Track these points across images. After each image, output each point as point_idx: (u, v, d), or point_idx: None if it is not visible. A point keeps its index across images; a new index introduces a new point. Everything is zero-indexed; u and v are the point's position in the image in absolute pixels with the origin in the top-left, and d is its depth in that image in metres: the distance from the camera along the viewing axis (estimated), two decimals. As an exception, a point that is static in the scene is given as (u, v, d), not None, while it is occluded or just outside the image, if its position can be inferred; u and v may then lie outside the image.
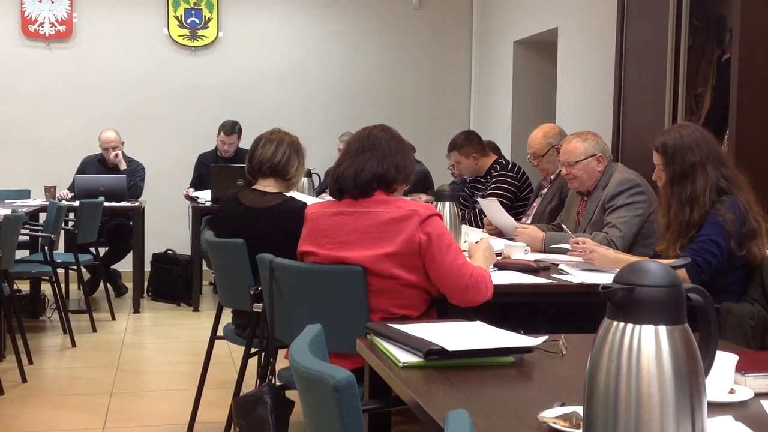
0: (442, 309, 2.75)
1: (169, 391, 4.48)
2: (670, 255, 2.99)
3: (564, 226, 3.88)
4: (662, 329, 1.23)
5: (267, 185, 3.38)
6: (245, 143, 7.13)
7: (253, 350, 3.34)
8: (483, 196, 5.11)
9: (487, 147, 5.41)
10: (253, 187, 3.42)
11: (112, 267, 6.92)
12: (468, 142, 5.24)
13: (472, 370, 1.88)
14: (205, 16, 7.76)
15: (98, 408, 4.05)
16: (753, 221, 2.96)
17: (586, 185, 3.87)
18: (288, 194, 3.39)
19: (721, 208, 2.94)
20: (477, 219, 4.90)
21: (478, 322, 2.24)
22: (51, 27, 7.51)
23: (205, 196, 6.48)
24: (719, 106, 4.19)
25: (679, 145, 3.02)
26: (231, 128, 6.90)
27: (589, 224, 3.80)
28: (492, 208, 4.33)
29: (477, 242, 3.01)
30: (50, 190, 6.51)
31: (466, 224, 4.79)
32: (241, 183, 6.21)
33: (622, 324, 1.25)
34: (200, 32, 7.76)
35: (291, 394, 2.65)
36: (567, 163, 3.86)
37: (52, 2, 7.50)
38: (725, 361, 1.68)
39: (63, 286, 6.48)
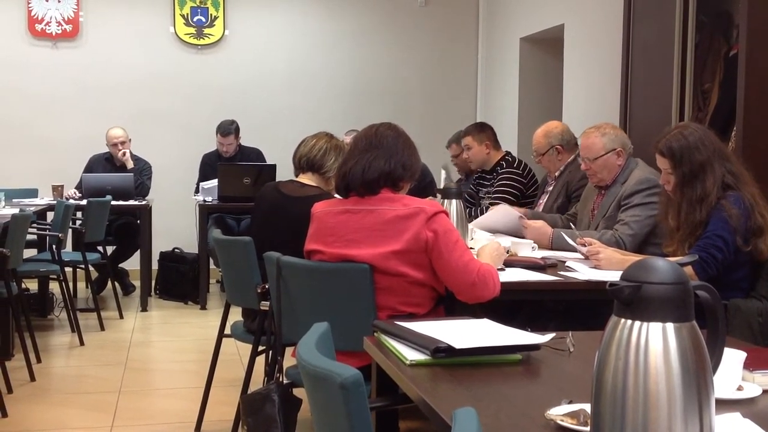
0: (449, 306, 2.75)
1: (177, 389, 4.49)
2: (678, 255, 2.98)
3: (572, 225, 3.87)
4: (670, 326, 1.23)
5: (306, 179, 3.49)
6: (252, 141, 7.18)
7: (260, 348, 3.35)
8: (488, 193, 5.12)
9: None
10: (294, 179, 3.54)
11: (119, 265, 6.93)
12: (482, 130, 5.25)
13: (480, 367, 1.88)
14: (211, 15, 7.77)
15: (106, 406, 4.06)
16: (759, 216, 2.95)
17: (606, 180, 3.84)
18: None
19: (726, 204, 2.93)
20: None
21: (486, 320, 2.24)
22: (57, 26, 7.53)
23: (210, 193, 6.49)
24: (727, 102, 4.18)
25: (684, 146, 3.01)
26: (227, 128, 6.90)
27: (603, 219, 3.78)
28: (492, 221, 4.27)
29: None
30: (58, 189, 6.53)
31: (472, 221, 4.78)
32: (248, 181, 6.25)
33: (629, 321, 1.25)
34: (206, 30, 7.77)
35: (298, 392, 2.65)
36: (586, 159, 3.83)
37: (59, 1, 7.51)
38: (733, 357, 1.68)
39: (71, 284, 6.50)
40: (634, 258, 3.12)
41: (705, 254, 2.89)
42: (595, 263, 3.17)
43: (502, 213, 4.18)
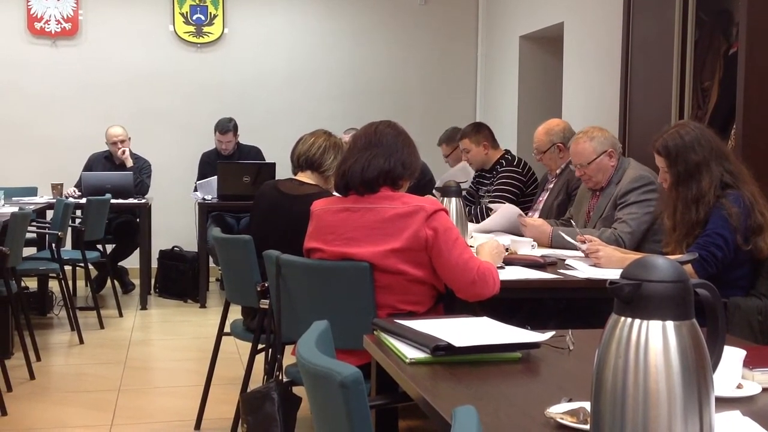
0: (449, 305, 2.75)
1: (176, 387, 4.49)
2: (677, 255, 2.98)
3: (573, 222, 3.87)
4: (670, 324, 1.23)
5: (304, 177, 3.47)
6: (251, 139, 7.18)
7: (260, 346, 3.35)
8: (488, 191, 5.12)
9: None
10: (292, 177, 3.52)
11: (119, 264, 6.93)
12: (478, 131, 5.24)
13: (479, 365, 1.88)
14: (210, 13, 7.76)
15: (106, 404, 4.06)
16: (758, 215, 2.94)
17: (602, 182, 3.85)
18: None
19: (726, 203, 2.92)
20: (483, 215, 4.90)
21: (485, 318, 2.24)
22: (57, 24, 7.52)
23: (209, 191, 6.49)
24: (726, 100, 4.18)
25: (680, 146, 3.00)
26: (225, 126, 6.90)
27: (600, 220, 3.79)
28: (493, 223, 4.28)
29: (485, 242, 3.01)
30: (57, 188, 6.52)
31: (472, 220, 4.78)
32: (248, 179, 6.24)
33: (629, 319, 1.25)
34: (206, 29, 7.76)
35: (298, 390, 2.65)
36: (579, 165, 3.84)
37: (58, 0, 7.51)
38: (733, 356, 1.68)
39: (70, 283, 6.50)
40: (634, 256, 3.11)
41: (705, 252, 2.89)
42: (595, 261, 3.17)
43: (502, 213, 4.18)
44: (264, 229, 3.41)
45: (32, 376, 4.46)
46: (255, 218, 3.64)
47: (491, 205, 4.62)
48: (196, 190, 6.82)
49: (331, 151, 3.45)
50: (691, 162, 2.98)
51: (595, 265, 3.15)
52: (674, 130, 3.08)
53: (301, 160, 3.47)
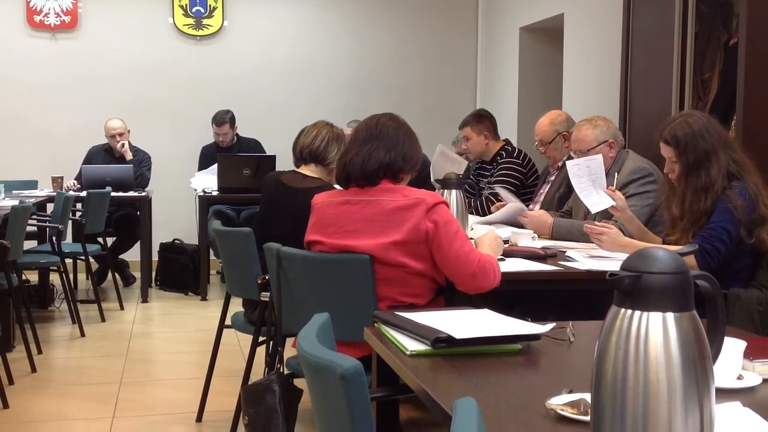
0: (449, 297, 2.75)
1: (178, 379, 4.49)
2: (682, 244, 2.97)
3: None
4: (670, 316, 1.23)
5: (308, 170, 3.46)
6: (251, 132, 7.17)
7: (261, 339, 3.36)
8: (489, 183, 5.11)
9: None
10: (296, 170, 3.51)
11: (119, 257, 6.94)
12: (480, 120, 5.22)
13: (480, 357, 1.88)
14: (210, 5, 7.75)
15: (107, 397, 4.07)
16: (762, 207, 2.94)
17: None
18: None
19: (732, 195, 2.91)
20: (483, 207, 4.89)
21: (486, 310, 2.24)
22: (56, 17, 7.51)
23: (209, 184, 6.49)
24: (727, 91, 4.17)
25: (689, 134, 2.99)
26: (221, 118, 6.90)
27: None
28: (497, 217, 4.30)
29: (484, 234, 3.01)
30: (57, 181, 6.52)
31: (472, 212, 4.78)
32: (248, 172, 6.25)
33: (629, 311, 1.25)
34: (205, 21, 7.75)
35: (299, 383, 2.66)
36: (579, 152, 3.83)
37: (57, -8, 7.51)
38: (733, 347, 1.68)
39: (71, 276, 6.51)
40: (637, 244, 3.09)
41: (709, 246, 2.88)
42: (597, 243, 3.15)
43: (508, 210, 4.18)
44: (266, 222, 3.42)
45: (33, 369, 4.47)
46: (260, 210, 3.66)
47: (498, 189, 4.60)
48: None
49: (334, 144, 3.44)
50: (700, 150, 2.96)
51: (594, 241, 3.15)
52: (682, 119, 3.06)
53: (304, 154, 3.46)
